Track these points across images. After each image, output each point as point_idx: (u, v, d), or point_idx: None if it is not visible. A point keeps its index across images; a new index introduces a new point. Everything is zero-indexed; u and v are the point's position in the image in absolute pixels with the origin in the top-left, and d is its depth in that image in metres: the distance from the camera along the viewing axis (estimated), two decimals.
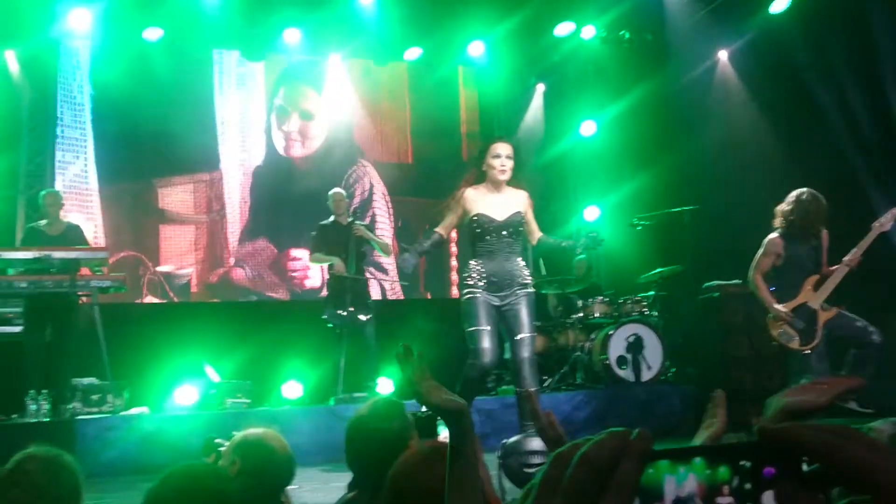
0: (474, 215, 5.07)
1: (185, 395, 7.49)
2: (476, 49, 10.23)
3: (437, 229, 5.28)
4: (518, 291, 5.06)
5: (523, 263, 5.19)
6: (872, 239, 5.59)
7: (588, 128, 10.77)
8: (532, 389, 4.98)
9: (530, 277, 5.25)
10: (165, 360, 7.75)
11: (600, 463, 0.50)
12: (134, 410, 7.20)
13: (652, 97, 9.60)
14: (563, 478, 0.50)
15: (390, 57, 10.26)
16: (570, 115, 10.81)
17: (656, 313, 8.45)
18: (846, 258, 5.61)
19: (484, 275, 5.02)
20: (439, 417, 1.58)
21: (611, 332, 7.98)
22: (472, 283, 5.04)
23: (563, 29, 10.04)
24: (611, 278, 10.17)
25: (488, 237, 5.06)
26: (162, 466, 2.19)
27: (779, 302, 5.69)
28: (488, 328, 4.94)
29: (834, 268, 5.71)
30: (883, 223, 5.59)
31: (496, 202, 5.10)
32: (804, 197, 5.71)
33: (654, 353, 7.96)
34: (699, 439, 0.76)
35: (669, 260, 8.51)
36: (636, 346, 7.93)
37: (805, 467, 0.52)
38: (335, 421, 6.80)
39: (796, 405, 0.77)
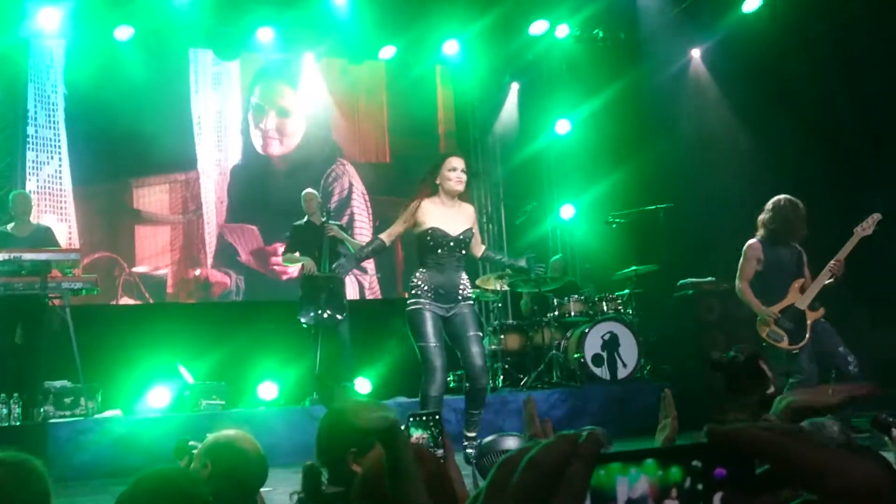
0: (429, 228, 5.19)
1: (158, 398, 7.44)
2: (451, 48, 10.22)
3: (380, 236, 5.41)
4: (462, 304, 5.24)
5: (467, 277, 5.36)
6: (854, 244, 5.64)
7: (563, 126, 10.80)
8: (485, 384, 5.19)
9: (472, 290, 5.45)
10: (139, 362, 7.69)
11: (548, 466, 0.49)
12: (107, 413, 7.14)
13: (626, 95, 9.64)
14: (510, 481, 0.49)
15: (365, 56, 10.23)
16: (544, 114, 10.84)
17: (631, 311, 8.49)
18: (830, 264, 5.65)
19: (432, 286, 5.16)
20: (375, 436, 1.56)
21: (586, 331, 8.01)
22: (419, 293, 5.17)
23: (537, 28, 10.06)
24: (587, 276, 10.21)
25: (440, 250, 5.21)
26: (135, 470, 2.17)
27: (766, 305, 5.74)
28: (437, 344, 5.09)
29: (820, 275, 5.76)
30: (865, 228, 5.64)
31: (450, 216, 5.25)
32: (782, 203, 5.77)
33: (629, 351, 8.00)
34: (657, 441, 0.76)
35: (645, 257, 8.55)
36: (611, 343, 7.97)
37: (756, 470, 0.52)
38: (311, 422, 6.77)
39: (806, 404, 0.77)
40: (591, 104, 10.13)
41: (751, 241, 5.85)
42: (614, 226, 8.83)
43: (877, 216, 5.65)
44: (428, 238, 5.20)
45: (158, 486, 2.06)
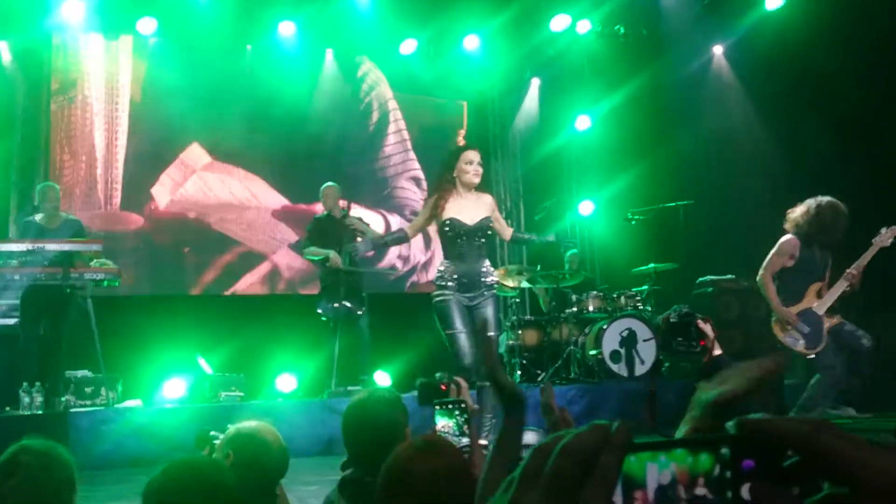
0: (447, 220, 5.38)
1: (174, 389, 7.50)
2: (472, 42, 10.22)
3: (404, 227, 5.67)
4: (485, 292, 5.42)
5: (489, 265, 5.53)
6: (872, 254, 5.60)
7: (583, 122, 10.79)
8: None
9: (496, 278, 5.61)
10: (159, 353, 7.76)
11: (581, 454, 0.50)
12: (127, 403, 7.21)
13: (647, 92, 9.61)
14: (543, 469, 0.51)
15: (385, 50, 10.24)
16: (565, 110, 10.82)
17: (650, 308, 8.47)
18: (848, 272, 5.62)
19: (455, 276, 5.35)
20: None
21: (604, 327, 8.00)
22: (443, 283, 5.37)
23: (558, 23, 10.03)
24: (605, 272, 10.20)
25: (459, 240, 5.39)
26: (155, 459, 2.20)
27: (783, 304, 5.69)
28: (464, 330, 5.27)
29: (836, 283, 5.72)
30: (884, 239, 5.60)
31: (467, 207, 5.42)
32: (824, 206, 5.67)
33: (647, 348, 7.98)
34: (680, 433, 0.77)
35: (664, 254, 8.53)
36: (630, 340, 7.95)
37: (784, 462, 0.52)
38: (329, 414, 6.81)
39: (724, 397, 0.75)
40: (611, 100, 10.11)
41: (789, 236, 5.78)
42: (633, 222, 8.81)
43: (895, 229, 5.59)
44: (447, 229, 5.40)
45: (186, 474, 2.08)
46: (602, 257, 10.59)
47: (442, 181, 5.49)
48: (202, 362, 7.80)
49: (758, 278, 5.83)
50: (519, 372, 8.28)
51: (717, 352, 5.63)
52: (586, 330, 8.39)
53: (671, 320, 6.09)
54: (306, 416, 6.92)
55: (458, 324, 5.28)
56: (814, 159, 8.29)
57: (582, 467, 0.50)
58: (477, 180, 5.41)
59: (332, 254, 7.60)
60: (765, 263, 5.80)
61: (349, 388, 7.40)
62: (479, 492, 1.56)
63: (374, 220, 9.90)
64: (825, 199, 5.72)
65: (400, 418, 2.61)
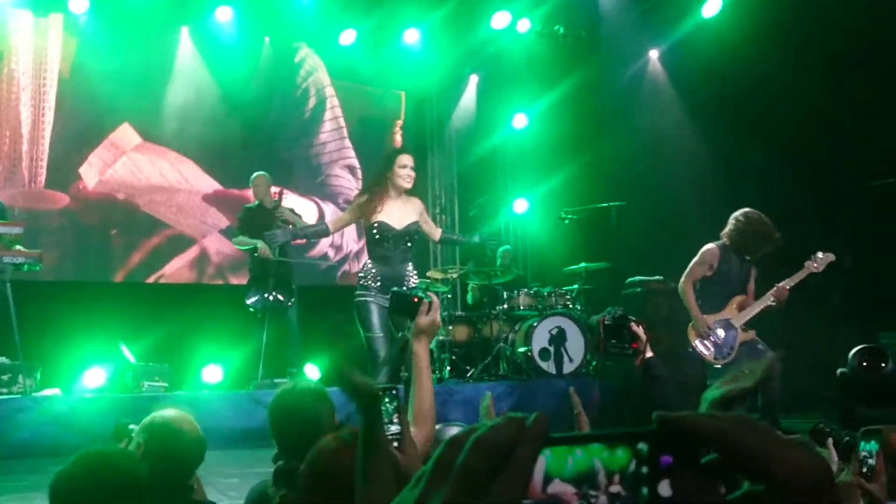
0: (375, 222, 5.45)
1: (94, 377, 7.31)
2: (411, 36, 10.18)
3: (326, 221, 5.79)
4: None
5: (413, 269, 5.64)
6: (802, 277, 5.63)
7: (520, 120, 10.84)
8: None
9: (417, 281, 5.77)
10: (80, 341, 7.54)
11: (495, 447, 0.49)
12: (46, 392, 7.00)
13: (583, 92, 9.71)
14: (455, 462, 0.49)
15: (324, 40, 10.13)
16: (502, 107, 10.86)
17: (580, 307, 8.55)
18: (775, 289, 5.63)
19: (378, 277, 5.43)
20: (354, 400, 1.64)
21: (534, 324, 8.05)
22: (365, 283, 5.46)
23: (498, 21, 10.04)
24: (537, 270, 10.27)
25: (386, 244, 5.48)
26: (74, 449, 2.14)
27: (702, 313, 5.75)
28: (382, 335, 5.40)
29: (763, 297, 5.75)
30: (818, 265, 5.61)
31: (396, 211, 5.50)
32: (747, 219, 5.68)
33: (576, 346, 8.05)
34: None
35: (596, 254, 8.62)
36: (559, 338, 8.01)
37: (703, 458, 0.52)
38: (255, 406, 6.72)
39: (730, 393, 0.77)
40: (548, 100, 10.18)
41: (711, 245, 5.79)
42: (567, 221, 8.89)
43: (830, 257, 5.62)
44: (374, 231, 5.47)
45: (96, 465, 2.03)
46: (534, 255, 10.67)
47: (374, 182, 5.58)
48: (125, 351, 7.62)
49: (679, 285, 5.88)
50: (448, 367, 8.29)
51: (649, 354, 5.75)
52: (516, 327, 8.43)
53: (606, 322, 6.20)
54: (231, 407, 6.82)
55: (377, 327, 5.38)
56: (744, 166, 8.50)
57: (495, 460, 0.49)
58: (408, 185, 5.50)
59: (261, 244, 7.49)
60: (686, 271, 5.84)
61: (276, 380, 7.31)
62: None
63: (308, 208, 9.82)
64: (750, 212, 5.72)
65: (326, 410, 2.60)
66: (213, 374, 7.74)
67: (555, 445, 0.51)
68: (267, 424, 2.66)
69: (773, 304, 5.67)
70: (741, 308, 5.72)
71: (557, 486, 0.51)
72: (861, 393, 6.08)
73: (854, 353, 6.35)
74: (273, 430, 2.60)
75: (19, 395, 6.70)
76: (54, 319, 7.84)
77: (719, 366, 5.67)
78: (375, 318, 5.39)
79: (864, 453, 2.05)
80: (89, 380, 7.26)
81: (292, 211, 7.69)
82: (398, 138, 10.63)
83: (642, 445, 0.51)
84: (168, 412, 2.55)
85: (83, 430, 6.08)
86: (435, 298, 2.59)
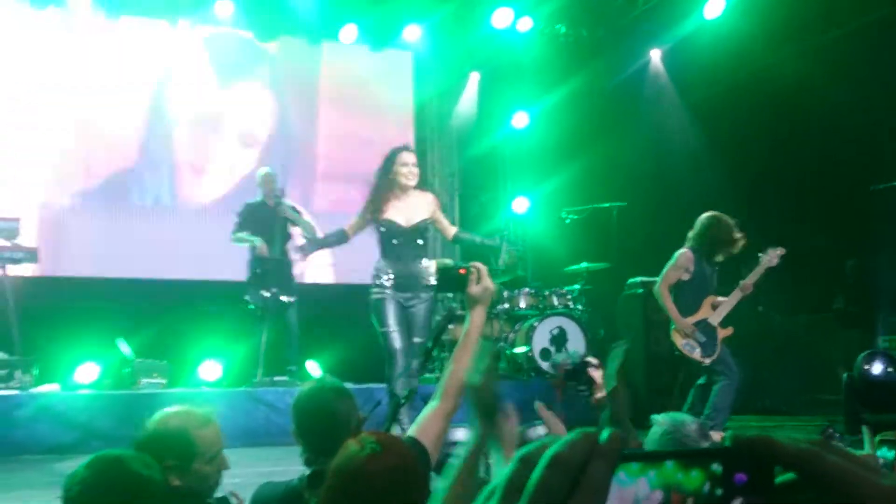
0: (383, 221, 5.43)
1: (91, 373, 7.28)
2: (412, 34, 10.15)
3: (344, 227, 5.66)
4: (421, 294, 5.47)
5: (427, 266, 5.56)
6: (761, 272, 5.81)
7: (521, 119, 10.83)
8: (413, 385, 5.21)
9: (433, 279, 5.62)
10: (79, 336, 7.50)
11: (570, 464, 0.47)
12: (44, 388, 6.96)
13: (585, 92, 9.71)
14: (529, 479, 0.47)
15: (324, 36, 10.09)
16: (503, 106, 10.85)
17: (581, 307, 8.54)
18: (741, 286, 5.84)
19: (391, 276, 5.40)
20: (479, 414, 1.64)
21: (535, 324, 8.04)
22: (380, 282, 5.42)
23: (500, 19, 10.00)
24: (537, 270, 10.25)
25: (395, 241, 5.44)
26: (72, 446, 2.11)
27: (681, 316, 5.88)
28: (397, 329, 5.35)
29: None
30: (771, 259, 5.80)
31: (403, 208, 5.47)
32: (714, 221, 5.88)
33: (577, 346, 8.04)
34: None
35: (596, 253, 8.61)
36: (560, 338, 8.01)
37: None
38: (254, 404, 6.70)
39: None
40: (550, 99, 10.17)
41: (685, 250, 5.96)
42: (568, 221, 8.88)
43: (780, 250, 5.81)
44: (382, 230, 5.45)
45: (110, 469, 1.99)
46: (535, 255, 10.65)
47: (379, 183, 5.53)
48: (123, 347, 7.58)
49: (655, 289, 6.02)
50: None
51: (600, 394, 6.08)
52: (517, 327, 8.42)
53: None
54: (230, 406, 6.79)
55: (392, 322, 5.35)
56: (746, 168, 8.49)
57: (570, 479, 0.47)
58: (412, 182, 5.47)
59: (259, 241, 7.46)
60: (662, 276, 5.98)
61: (275, 378, 7.29)
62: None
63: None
64: (716, 215, 5.91)
65: (351, 407, 2.60)
66: (211, 371, 7.70)
67: (629, 463, 0.49)
68: (265, 424, 2.65)
69: (743, 298, 5.86)
70: (714, 307, 5.90)
71: None
72: (864, 397, 6.09)
73: (862, 358, 6.37)
74: (299, 429, 2.58)
75: (17, 391, 6.67)
76: (52, 315, 7.81)
77: (708, 363, 5.78)
78: (391, 313, 5.36)
79: (881, 461, 2.03)
80: (85, 375, 7.23)
81: (293, 209, 7.67)
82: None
83: (716, 467, 0.50)
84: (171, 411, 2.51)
85: (81, 427, 6.06)
86: (480, 265, 2.55)
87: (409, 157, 5.52)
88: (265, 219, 7.53)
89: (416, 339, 5.43)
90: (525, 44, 10.48)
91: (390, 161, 5.54)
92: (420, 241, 5.52)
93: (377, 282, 5.45)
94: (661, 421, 2.37)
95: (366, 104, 10.47)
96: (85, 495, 1.95)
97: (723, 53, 8.71)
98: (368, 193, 5.62)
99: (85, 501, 1.96)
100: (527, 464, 0.48)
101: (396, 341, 5.33)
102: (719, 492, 0.50)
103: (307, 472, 2.43)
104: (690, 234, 5.98)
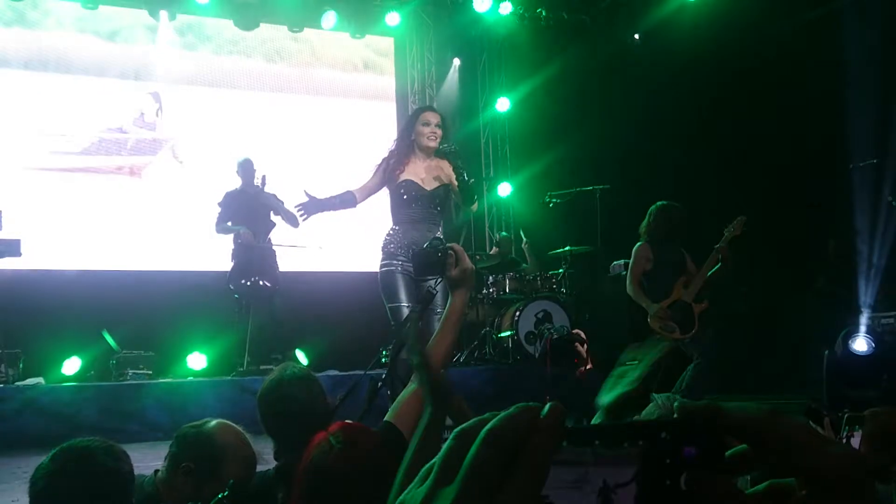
0: (402, 181, 4.94)
1: (77, 366, 7.26)
2: (393, 19, 10.09)
3: (352, 189, 5.07)
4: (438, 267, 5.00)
5: (442, 237, 5.05)
6: (729, 238, 5.88)
7: (503, 104, 10.80)
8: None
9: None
10: (63, 329, 7.47)
11: (508, 440, 0.45)
12: (29, 381, 6.93)
13: (567, 75, 9.67)
14: (465, 455, 0.45)
15: (305, 23, 10.03)
16: (485, 91, 10.82)
17: (565, 290, 8.55)
18: (715, 251, 5.92)
19: (404, 244, 4.89)
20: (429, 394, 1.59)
21: (520, 308, 8.05)
22: (392, 250, 4.91)
23: (481, 3, 9.95)
24: (522, 254, 10.26)
25: (414, 205, 4.96)
26: (59, 439, 2.10)
27: (655, 302, 5.97)
28: (409, 305, 4.82)
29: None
30: (734, 230, 5.87)
31: (424, 172, 5.01)
32: (660, 209, 6.10)
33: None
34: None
35: (581, 237, 8.62)
36: (544, 321, 8.01)
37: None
38: (240, 393, 6.69)
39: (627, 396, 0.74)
40: (532, 82, 10.14)
41: (639, 244, 6.13)
42: (551, 205, 8.88)
43: (742, 218, 5.91)
44: (401, 192, 4.95)
45: (76, 460, 1.99)
46: (519, 238, 10.65)
47: (399, 143, 5.10)
48: (108, 338, 7.55)
49: (628, 291, 6.10)
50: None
51: (589, 366, 6.34)
52: (502, 311, 8.43)
53: (554, 338, 6.81)
54: (217, 395, 6.78)
55: (403, 296, 4.83)
56: (729, 148, 8.51)
57: (507, 456, 0.44)
58: (433, 144, 4.98)
59: (244, 230, 7.42)
60: (628, 276, 6.12)
61: (262, 366, 7.27)
62: (397, 487, 1.52)
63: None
64: (656, 205, 6.16)
65: (318, 395, 2.55)
66: (197, 361, 7.69)
67: (573, 437, 0.48)
68: (258, 417, 2.62)
69: (721, 265, 5.92)
70: (687, 286, 5.97)
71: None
72: (845, 374, 6.14)
73: (843, 335, 6.42)
74: (264, 423, 2.54)
75: (1, 385, 6.64)
76: (37, 308, 7.76)
77: (688, 339, 5.87)
78: (402, 287, 4.85)
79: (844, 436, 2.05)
80: (72, 368, 7.20)
81: (276, 197, 7.63)
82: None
83: (665, 435, 0.49)
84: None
85: (67, 419, 6.04)
86: (457, 246, 2.45)
87: (433, 117, 5.06)
88: (247, 207, 7.49)
89: (439, 310, 4.75)
90: (506, 28, 10.45)
91: (412, 120, 5.11)
92: (438, 209, 5.04)
93: (388, 251, 4.93)
94: (660, 403, 2.35)
95: (347, 90, 10.43)
96: (51, 487, 1.95)
97: (705, 33, 8.71)
98: (388, 153, 5.12)
99: (51, 493, 1.95)
100: (463, 440, 0.46)
101: (405, 316, 4.76)
102: (667, 461, 0.49)
103: (275, 465, 2.41)
104: (640, 229, 6.19)
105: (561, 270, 8.68)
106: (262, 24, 9.88)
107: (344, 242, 9.55)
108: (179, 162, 9.52)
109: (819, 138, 8.13)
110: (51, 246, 8.85)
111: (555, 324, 7.96)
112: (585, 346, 6.81)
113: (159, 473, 2.39)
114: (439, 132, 4.99)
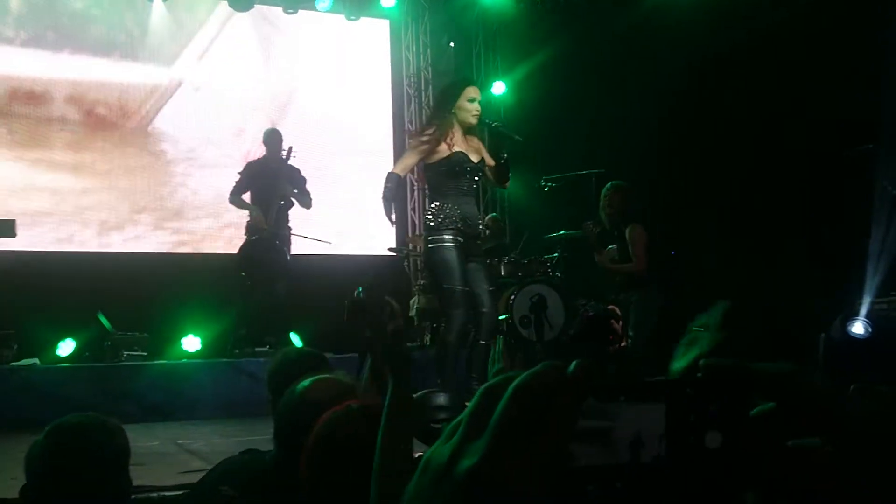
0: (453, 152, 4.81)
1: (67, 347, 7.26)
2: (388, 1, 10.05)
3: (394, 171, 4.98)
4: (479, 243, 4.98)
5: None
6: (593, 239, 6.40)
7: (498, 87, 10.78)
8: (489, 342, 4.93)
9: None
10: (57, 310, 7.46)
11: (536, 396, 0.45)
12: (23, 362, 6.92)
13: (563, 59, 9.65)
14: (493, 412, 0.46)
15: (299, 4, 9.97)
16: (480, 74, 10.79)
17: (560, 274, 8.55)
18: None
19: (457, 219, 4.77)
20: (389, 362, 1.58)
21: (515, 292, 8.05)
22: (445, 225, 4.77)
23: None
24: (517, 238, 10.27)
25: (465, 177, 4.87)
26: (54, 419, 2.10)
27: None
28: (463, 288, 4.72)
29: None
30: (592, 225, 6.50)
31: (465, 144, 4.93)
32: (604, 194, 6.40)
33: (556, 314, 8.06)
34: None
35: (577, 221, 8.61)
36: (539, 305, 8.01)
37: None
38: (235, 375, 6.70)
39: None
40: (527, 66, 10.11)
41: (635, 226, 6.43)
42: (547, 189, 8.87)
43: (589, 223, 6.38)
44: (454, 163, 4.82)
45: (70, 435, 1.99)
46: (514, 223, 10.66)
47: (440, 115, 4.93)
48: (103, 320, 7.54)
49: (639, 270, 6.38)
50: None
51: (623, 344, 6.48)
52: (496, 295, 8.42)
53: (589, 315, 6.88)
54: (212, 377, 6.78)
55: (458, 279, 4.68)
56: (721, 133, 8.50)
57: (535, 411, 0.45)
58: (475, 121, 4.92)
59: (256, 212, 7.29)
60: (643, 258, 6.42)
61: (257, 349, 7.27)
62: (377, 467, 1.51)
63: None
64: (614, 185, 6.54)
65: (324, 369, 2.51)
66: (192, 343, 7.68)
67: (599, 393, 0.48)
68: (245, 395, 2.60)
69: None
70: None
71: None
72: (843, 358, 6.17)
73: (840, 319, 6.45)
74: (276, 408, 2.50)
75: None
76: (31, 289, 7.74)
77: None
78: (457, 266, 4.67)
79: None
80: (67, 349, 7.19)
81: (299, 172, 7.47)
82: None
83: (690, 391, 0.49)
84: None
85: (62, 401, 6.03)
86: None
87: (477, 93, 4.96)
88: (265, 182, 7.33)
89: (489, 288, 4.94)
90: (502, 11, 10.41)
91: (455, 94, 4.94)
92: (475, 185, 5.01)
93: (439, 224, 4.74)
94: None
95: (343, 73, 10.39)
96: (47, 463, 1.95)
97: (701, 17, 8.69)
98: (427, 125, 5.01)
99: (47, 469, 1.96)
100: (491, 396, 0.46)
101: (459, 302, 4.68)
102: (692, 418, 0.49)
103: (276, 450, 2.38)
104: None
105: (556, 254, 8.68)
106: (256, 6, 9.82)
107: (337, 226, 9.53)
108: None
109: (812, 122, 8.13)
110: (44, 227, 8.83)
111: (549, 307, 7.97)
112: (620, 322, 6.90)
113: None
114: (480, 110, 4.94)
